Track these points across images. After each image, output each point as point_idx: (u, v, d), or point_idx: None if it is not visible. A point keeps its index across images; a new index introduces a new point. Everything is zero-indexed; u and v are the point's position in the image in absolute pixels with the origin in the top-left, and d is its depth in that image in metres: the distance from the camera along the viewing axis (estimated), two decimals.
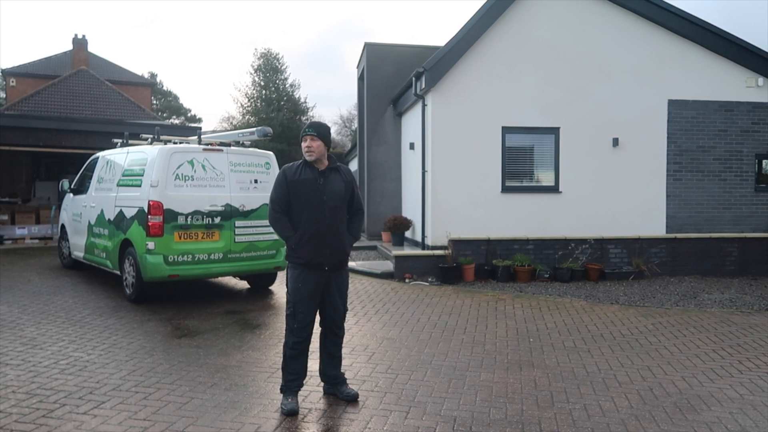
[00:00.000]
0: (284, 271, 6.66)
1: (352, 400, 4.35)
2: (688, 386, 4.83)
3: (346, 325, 4.59)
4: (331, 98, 68.03)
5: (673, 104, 11.47)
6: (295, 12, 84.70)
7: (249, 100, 37.63)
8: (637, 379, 5.00)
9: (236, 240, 7.77)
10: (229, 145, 8.33)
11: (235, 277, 8.79)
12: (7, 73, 31.11)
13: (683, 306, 8.24)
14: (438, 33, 78.45)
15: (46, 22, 79.31)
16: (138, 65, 53.67)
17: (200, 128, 14.77)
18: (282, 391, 4.23)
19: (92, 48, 40.10)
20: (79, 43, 29.92)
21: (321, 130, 4.24)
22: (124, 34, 79.70)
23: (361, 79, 17.14)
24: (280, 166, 6.71)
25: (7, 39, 73.59)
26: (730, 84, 11.56)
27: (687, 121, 11.50)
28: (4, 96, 35.61)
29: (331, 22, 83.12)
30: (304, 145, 4.20)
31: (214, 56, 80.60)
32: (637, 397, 4.57)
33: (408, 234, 13.10)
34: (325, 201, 4.17)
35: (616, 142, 11.30)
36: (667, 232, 11.36)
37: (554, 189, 11.29)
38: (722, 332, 6.65)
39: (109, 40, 74.92)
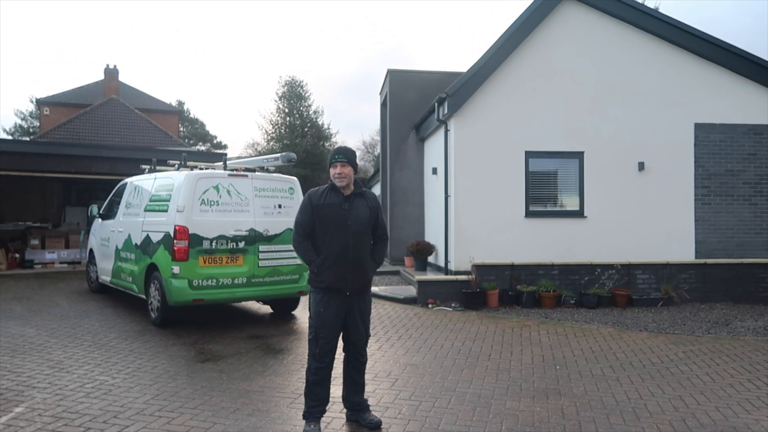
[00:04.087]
0: (307, 296, 6.66)
1: (375, 427, 4.29)
2: (722, 417, 4.67)
3: (368, 350, 4.56)
4: (367, 125, 68.90)
5: (700, 128, 11.31)
6: (338, 42, 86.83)
7: (273, 127, 38.23)
8: (668, 409, 4.85)
9: (260, 264, 7.81)
10: (253, 170, 8.44)
11: (258, 301, 8.82)
12: (42, 103, 32.19)
13: (715, 333, 8.00)
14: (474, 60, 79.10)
15: (79, 53, 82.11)
16: (166, 93, 55.10)
17: (226, 154, 15.00)
18: (305, 417, 4.19)
19: (123, 77, 41.29)
20: (111, 73, 30.88)
21: (350, 156, 4.28)
22: (154, 62, 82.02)
23: (383, 105, 17.30)
24: (303, 192, 6.75)
25: (41, 69, 76.30)
26: (759, 107, 11.37)
27: (715, 144, 11.32)
28: (38, 124, 36.73)
29: (371, 52, 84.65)
30: (334, 171, 4.22)
31: (241, 84, 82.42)
32: (669, 427, 4.42)
33: (431, 259, 13.04)
34: (349, 226, 4.18)
35: (641, 166, 11.16)
36: (696, 258, 11.11)
37: (579, 213, 11.16)
38: (757, 361, 6.43)
39: (140, 69, 77.18)
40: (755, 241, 11.32)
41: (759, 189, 11.36)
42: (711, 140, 11.32)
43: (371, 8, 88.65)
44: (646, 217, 11.15)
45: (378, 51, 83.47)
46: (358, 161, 4.41)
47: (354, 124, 69.93)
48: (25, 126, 44.54)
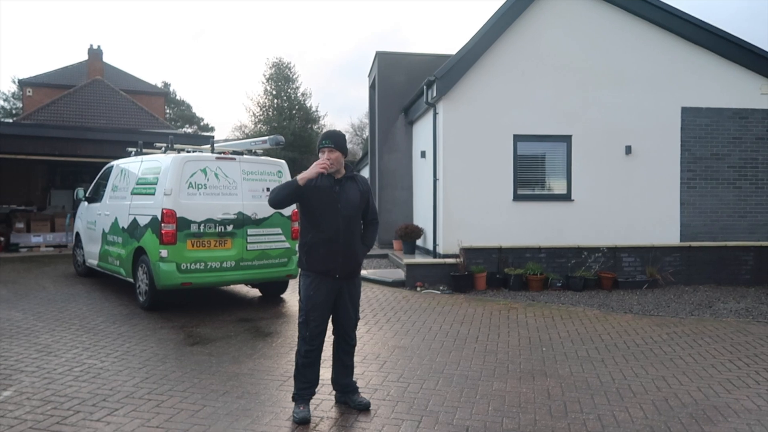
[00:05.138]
0: (296, 279, 6.67)
1: (364, 408, 4.34)
2: (704, 397, 4.77)
3: (357, 333, 4.59)
4: (357, 107, 68.41)
5: (686, 111, 11.38)
6: (333, 24, 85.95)
7: (261, 109, 37.91)
8: (651, 389, 4.95)
9: (248, 248, 7.80)
10: (241, 153, 8.39)
11: (247, 284, 8.82)
12: (24, 83, 31.59)
13: (698, 315, 8.14)
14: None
15: (62, 33, 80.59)
16: (152, 75, 54.26)
17: (213, 137, 14.85)
18: (294, 399, 4.23)
19: (107, 58, 40.58)
20: (95, 54, 30.32)
21: (338, 141, 4.21)
22: (139, 43, 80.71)
23: (372, 87, 17.20)
24: (292, 175, 6.73)
25: (23, 49, 74.82)
26: (745, 91, 11.45)
27: (701, 128, 11.41)
28: (21, 106, 36.13)
29: (367, 34, 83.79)
30: (322, 157, 4.19)
31: (228, 65, 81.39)
32: (652, 407, 4.52)
33: (419, 242, 13.08)
34: (340, 209, 4.18)
35: (628, 149, 11.23)
36: (681, 241, 11.25)
37: (566, 197, 11.23)
38: (738, 342, 6.56)
39: (125, 49, 75.94)
40: (739, 224, 11.47)
41: (743, 173, 11.48)
42: (697, 124, 11.40)
43: (372, 11, 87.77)
44: (632, 200, 11.25)
45: (373, 33, 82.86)
46: (346, 144, 4.39)
47: (346, 106, 69.58)
48: (8, 107, 43.80)
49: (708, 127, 11.42)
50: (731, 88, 11.43)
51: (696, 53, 11.39)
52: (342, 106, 69.06)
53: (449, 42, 78.67)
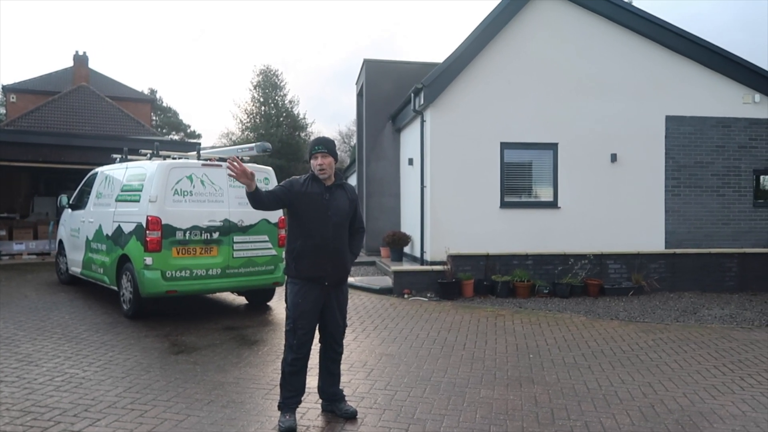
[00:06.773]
0: (282, 287, 6.62)
1: (351, 417, 4.30)
2: (689, 403, 4.79)
3: (344, 341, 4.56)
4: (347, 115, 68.30)
5: (670, 120, 11.52)
6: (329, 32, 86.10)
7: (248, 116, 37.73)
8: (638, 395, 4.96)
9: (234, 255, 7.74)
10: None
11: (233, 292, 8.75)
12: (8, 89, 31.23)
13: (683, 322, 8.20)
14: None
15: (48, 39, 79.97)
16: (138, 81, 53.99)
17: (199, 144, 14.78)
18: (280, 408, 4.18)
19: (93, 64, 40.25)
20: (80, 60, 30.09)
21: (330, 147, 4.26)
22: (126, 50, 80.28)
23: (360, 95, 17.22)
24: (278, 182, 6.69)
25: (8, 55, 74.12)
26: (728, 100, 11.62)
27: (685, 137, 11.55)
28: (5, 112, 35.71)
29: (363, 42, 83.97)
30: (315, 162, 4.19)
31: (215, 72, 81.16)
32: (638, 413, 4.53)
33: (407, 249, 13.08)
34: (330, 216, 4.17)
35: (614, 157, 11.33)
36: (666, 248, 11.35)
37: (553, 204, 11.30)
38: (723, 348, 6.61)
39: (111, 56, 75.48)
40: (722, 231, 11.61)
41: (726, 180, 11.63)
42: (681, 132, 11.54)
43: (367, 19, 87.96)
44: (618, 207, 11.34)
45: (368, 41, 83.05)
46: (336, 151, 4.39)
47: (339, 114, 69.31)
48: None
49: (692, 135, 11.56)
50: (714, 97, 11.59)
51: (680, 63, 11.55)
52: (335, 113, 69.02)
53: (447, 50, 79.25)
